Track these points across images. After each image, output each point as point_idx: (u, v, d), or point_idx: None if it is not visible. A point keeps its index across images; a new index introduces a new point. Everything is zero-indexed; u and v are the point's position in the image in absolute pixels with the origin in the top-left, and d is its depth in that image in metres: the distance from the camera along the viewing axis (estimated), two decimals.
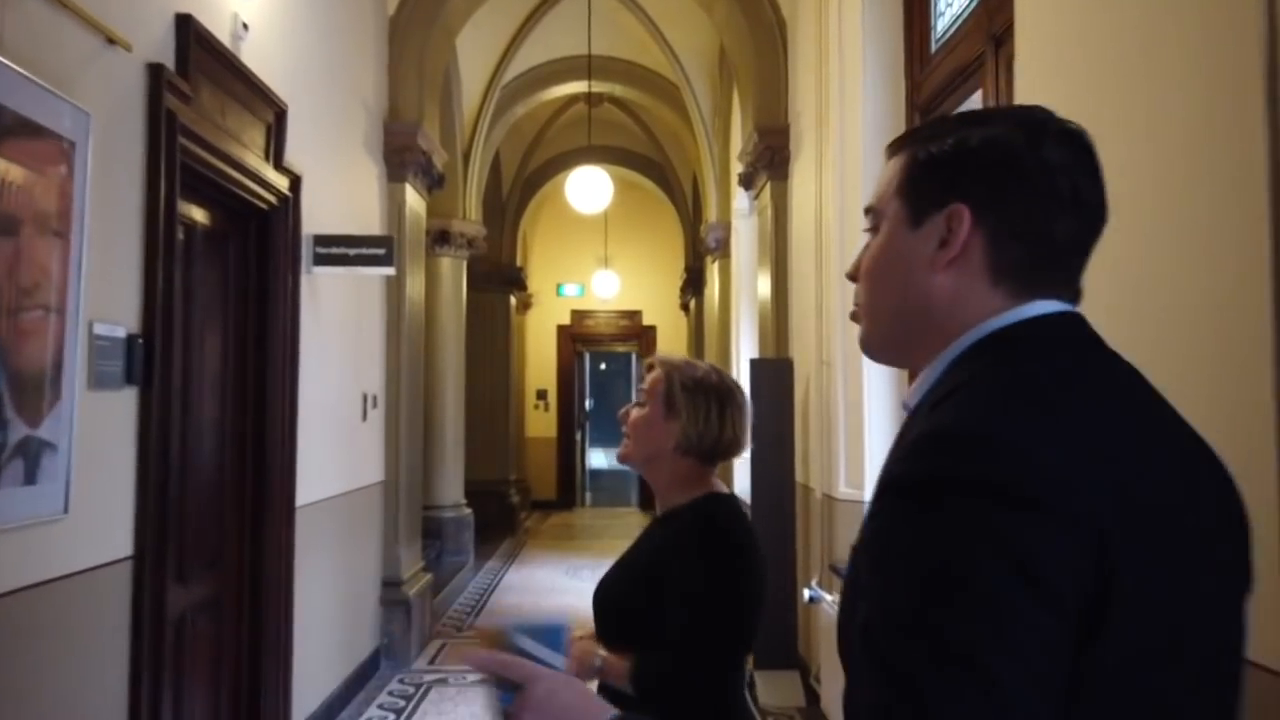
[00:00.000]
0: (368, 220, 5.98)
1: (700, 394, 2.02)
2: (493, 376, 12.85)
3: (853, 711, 0.93)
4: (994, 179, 0.97)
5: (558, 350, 15.91)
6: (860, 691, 0.87)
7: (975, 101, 3.74)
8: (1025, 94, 2.73)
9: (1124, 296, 2.11)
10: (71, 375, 2.60)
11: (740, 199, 8.72)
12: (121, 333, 2.93)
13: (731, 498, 2.07)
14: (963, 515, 0.81)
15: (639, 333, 15.96)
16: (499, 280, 13.21)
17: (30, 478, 2.44)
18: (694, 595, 1.86)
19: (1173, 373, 1.83)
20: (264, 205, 4.24)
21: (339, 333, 5.39)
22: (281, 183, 4.33)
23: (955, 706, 0.78)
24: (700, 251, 11.71)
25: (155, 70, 3.10)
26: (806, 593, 4.56)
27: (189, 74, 3.33)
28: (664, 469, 2.05)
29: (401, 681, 6.07)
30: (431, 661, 6.59)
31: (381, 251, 5.10)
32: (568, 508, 15.41)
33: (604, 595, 2.07)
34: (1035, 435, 0.84)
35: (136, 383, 3.02)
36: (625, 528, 13.00)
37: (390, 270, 5.30)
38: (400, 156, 6.44)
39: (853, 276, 1.10)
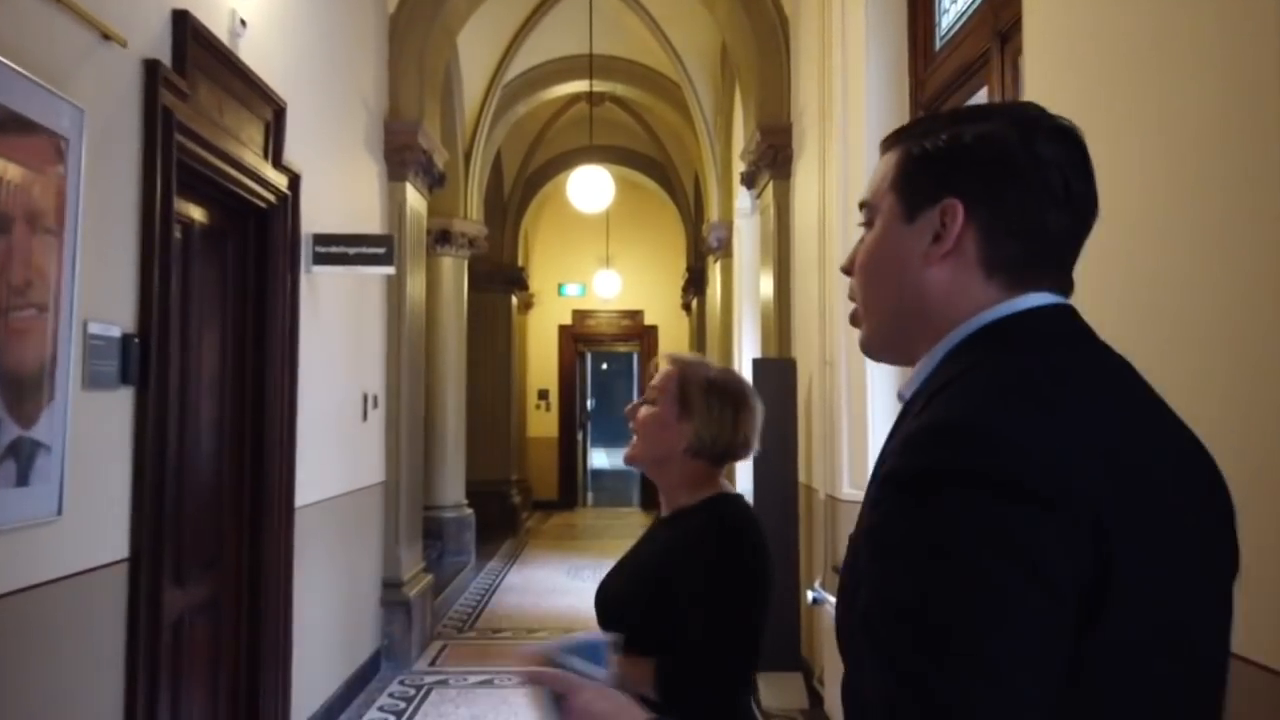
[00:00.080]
0: (368, 219, 5.95)
1: (715, 395, 1.99)
2: (494, 376, 12.82)
3: (852, 700, 0.95)
4: (987, 174, 0.99)
5: (559, 350, 15.88)
6: (861, 680, 0.89)
7: (980, 99, 3.70)
8: (1034, 89, 2.69)
9: (1136, 294, 2.08)
10: (65, 375, 2.57)
11: (742, 198, 8.69)
12: (117, 332, 2.90)
13: (740, 498, 2.04)
14: (963, 507, 0.83)
15: (640, 333, 15.94)
16: (500, 280, 13.18)
17: (23, 479, 2.40)
18: (711, 597, 1.83)
19: (1185, 371, 1.81)
20: (263, 204, 4.20)
21: (339, 332, 5.36)
22: (280, 181, 4.30)
23: (956, 694, 0.79)
24: (702, 251, 11.68)
25: (151, 66, 3.07)
26: (810, 594, 4.51)
27: (186, 71, 3.30)
28: (673, 470, 2.01)
29: (402, 683, 6.04)
30: (432, 663, 6.56)
31: (381, 250, 5.06)
32: (569, 508, 15.38)
33: (608, 597, 2.03)
34: (1032, 428, 0.85)
35: (132, 383, 2.99)
36: (627, 528, 12.98)
37: (390, 269, 5.27)
38: (401, 155, 6.41)
39: (847, 270, 1.11)
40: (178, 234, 3.51)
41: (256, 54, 3.97)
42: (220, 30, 3.64)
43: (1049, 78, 2.62)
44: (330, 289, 5.12)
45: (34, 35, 2.49)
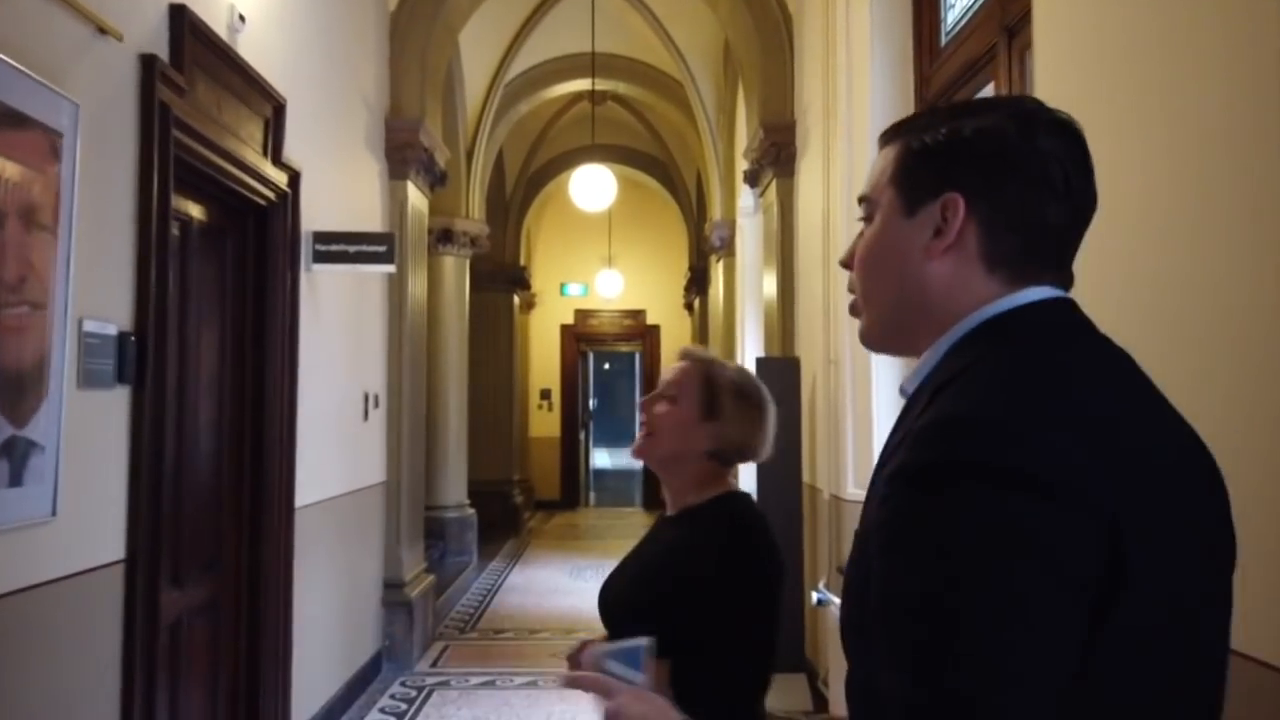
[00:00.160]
0: (369, 218, 5.91)
1: (743, 399, 1.96)
2: (496, 376, 12.80)
3: (858, 697, 0.96)
4: (988, 168, 0.99)
5: (561, 350, 15.85)
6: (870, 678, 0.89)
7: (987, 95, 3.66)
8: (1043, 85, 2.65)
9: (1138, 293, 2.05)
10: (60, 373, 2.53)
11: (745, 197, 8.66)
12: (113, 330, 2.86)
13: (749, 496, 2.00)
14: (975, 501, 0.83)
15: (643, 332, 15.93)
16: (502, 279, 13.15)
17: (16, 479, 2.36)
18: (725, 596, 1.80)
19: (1186, 371, 1.77)
20: (262, 201, 4.17)
21: (340, 331, 5.32)
22: (280, 178, 4.26)
23: (975, 692, 0.79)
24: (704, 250, 11.66)
25: (148, 61, 3.03)
26: (814, 595, 4.49)
27: (184, 66, 3.26)
28: (687, 469, 1.97)
29: (403, 684, 6.01)
30: (434, 664, 6.53)
31: (382, 249, 5.03)
32: (571, 508, 15.35)
33: (614, 598, 1.99)
34: (1041, 421, 0.86)
35: (129, 381, 2.95)
36: (629, 528, 12.94)
37: (391, 268, 5.24)
38: (402, 153, 6.37)
39: (846, 264, 1.12)
40: (176, 231, 3.48)
41: (255, 50, 3.94)
42: (219, 25, 3.60)
43: (1059, 72, 2.57)
44: (331, 288, 5.08)
45: (27, 29, 2.45)
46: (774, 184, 6.37)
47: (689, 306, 14.53)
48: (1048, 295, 0.99)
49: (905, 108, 4.45)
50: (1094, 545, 0.82)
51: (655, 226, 15.03)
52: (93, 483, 2.79)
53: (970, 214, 0.99)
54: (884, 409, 4.44)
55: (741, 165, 7.47)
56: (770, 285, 6.53)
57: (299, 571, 4.46)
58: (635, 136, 13.21)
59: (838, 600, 4.45)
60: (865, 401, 4.56)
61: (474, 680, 6.14)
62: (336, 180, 5.28)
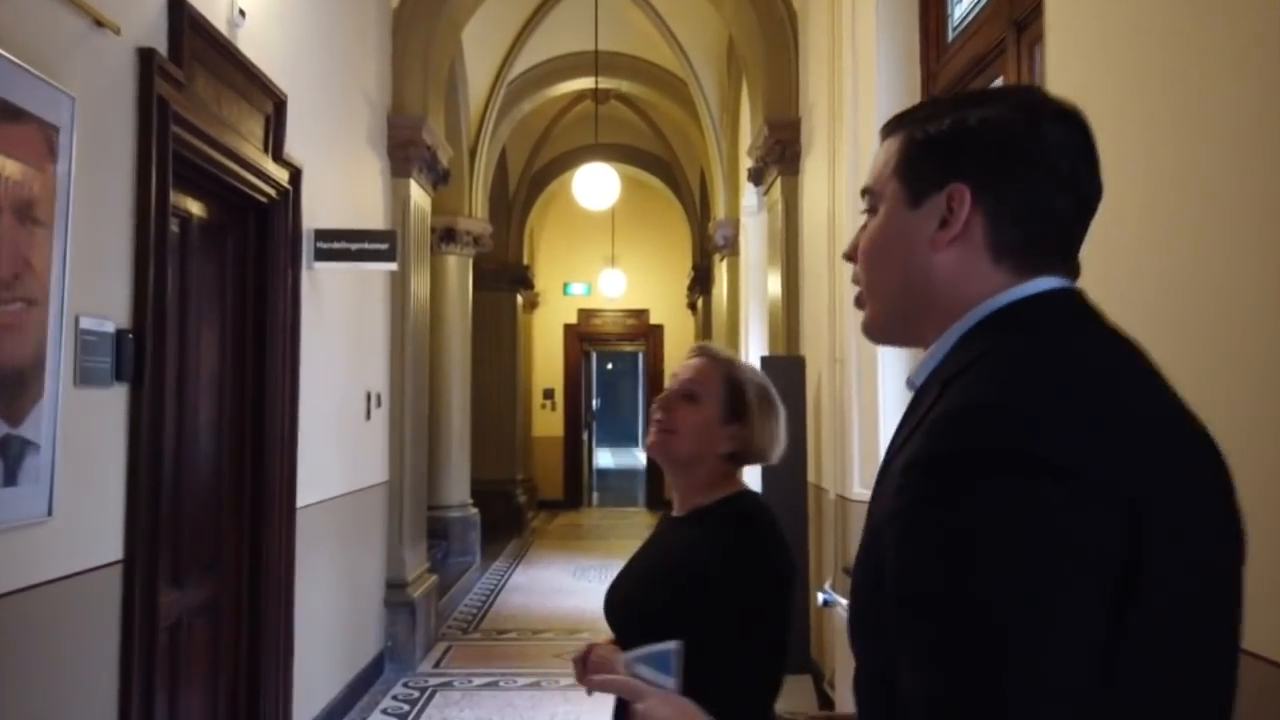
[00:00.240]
0: (371, 216, 5.87)
1: (765, 400, 1.94)
2: (499, 376, 12.77)
3: (872, 695, 0.95)
4: (993, 158, 0.99)
5: (564, 349, 15.83)
6: (887, 673, 0.88)
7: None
8: (1056, 78, 2.60)
9: (1143, 293, 2.00)
10: (56, 371, 2.49)
11: (749, 196, 8.63)
12: (110, 327, 2.82)
13: (759, 496, 1.97)
14: (999, 489, 0.81)
15: (646, 332, 15.91)
16: (505, 279, 13.12)
17: (10, 479, 2.32)
18: (741, 597, 1.77)
19: (1190, 371, 1.72)
20: (263, 198, 4.13)
21: (342, 330, 5.29)
22: (281, 175, 4.22)
23: (1002, 686, 0.78)
24: (708, 250, 11.63)
25: (146, 55, 2.99)
26: (820, 596, 4.45)
27: (183, 61, 3.22)
28: (702, 470, 1.94)
29: (406, 685, 5.97)
30: (437, 665, 6.49)
31: (384, 246, 4.99)
32: (574, 508, 15.32)
33: (624, 600, 1.95)
34: (1060, 407, 0.85)
35: (127, 380, 2.91)
36: (632, 528, 12.92)
37: (393, 266, 5.20)
38: (404, 151, 6.33)
39: (849, 256, 1.11)
40: (175, 228, 3.44)
41: (256, 45, 3.90)
42: (218, 20, 3.56)
43: (1072, 66, 2.53)
44: (333, 286, 5.05)
45: (22, 21, 2.41)
46: (778, 182, 6.33)
47: (692, 306, 14.50)
48: (1056, 285, 0.98)
49: (912, 103, 4.40)
50: (1115, 534, 0.81)
51: (658, 226, 15.00)
52: (90, 482, 2.75)
53: (976, 204, 0.98)
54: (890, 408, 4.40)
55: (745, 163, 7.43)
56: (775, 284, 6.49)
57: (300, 572, 4.42)
58: (638, 135, 13.18)
59: (844, 601, 4.42)
60: (871, 401, 4.52)
61: (477, 681, 6.11)
62: (338, 178, 5.24)
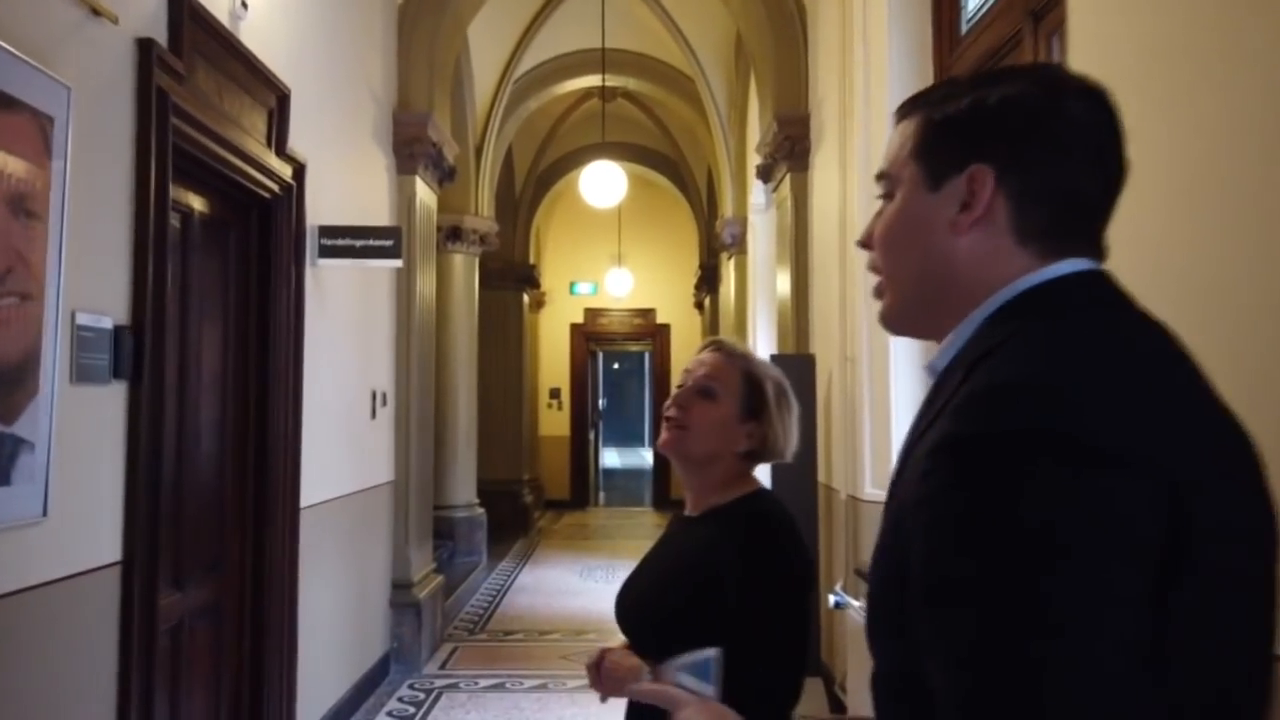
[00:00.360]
0: (376, 213, 5.81)
1: (785, 399, 1.89)
2: (505, 375, 12.73)
3: (894, 693, 0.92)
4: (1015, 138, 0.95)
5: (571, 349, 15.78)
6: (912, 669, 0.84)
7: None
8: (1078, 68, 2.53)
9: (1164, 290, 1.93)
10: (51, 368, 2.42)
11: (757, 194, 8.57)
12: (108, 323, 2.76)
13: (775, 495, 1.91)
14: (1034, 471, 0.78)
15: (653, 331, 15.86)
16: (512, 278, 13.08)
17: (4, 478, 2.26)
18: (761, 598, 1.71)
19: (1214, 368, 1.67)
20: (266, 194, 4.07)
21: (347, 328, 5.23)
22: (284, 171, 4.16)
23: (1037, 679, 0.74)
24: (715, 248, 11.58)
25: (145, 45, 2.92)
26: (831, 598, 4.38)
27: (183, 52, 3.16)
28: (717, 469, 1.88)
29: (412, 687, 5.92)
30: (443, 666, 6.43)
31: (389, 243, 4.93)
32: (581, 507, 15.26)
33: (636, 603, 1.90)
34: (1095, 388, 0.81)
35: (125, 377, 2.85)
36: (639, 528, 12.88)
37: (398, 262, 5.14)
38: (410, 148, 6.28)
39: (865, 244, 1.07)
40: (175, 223, 3.38)
41: (258, 38, 3.84)
42: (220, 11, 3.50)
43: (1095, 55, 2.45)
44: (337, 283, 4.99)
45: (15, 8, 2.35)
46: (788, 178, 6.26)
47: (699, 305, 14.45)
48: (1085, 267, 0.95)
49: None
50: (1159, 514, 0.78)
51: (665, 225, 14.95)
52: (87, 482, 2.68)
53: (999, 186, 0.95)
54: (903, 406, 4.33)
55: (754, 161, 7.37)
56: (784, 281, 6.42)
57: (304, 572, 4.37)
58: (645, 134, 13.13)
59: (855, 603, 4.35)
60: (883, 399, 4.46)
61: (483, 683, 6.05)
62: (343, 174, 5.18)
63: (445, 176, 6.99)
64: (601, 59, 9.34)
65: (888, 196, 1.05)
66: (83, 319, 2.62)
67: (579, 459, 15.63)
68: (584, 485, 15.71)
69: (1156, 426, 0.81)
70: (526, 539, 12.09)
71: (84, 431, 2.66)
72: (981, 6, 3.86)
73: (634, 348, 18.32)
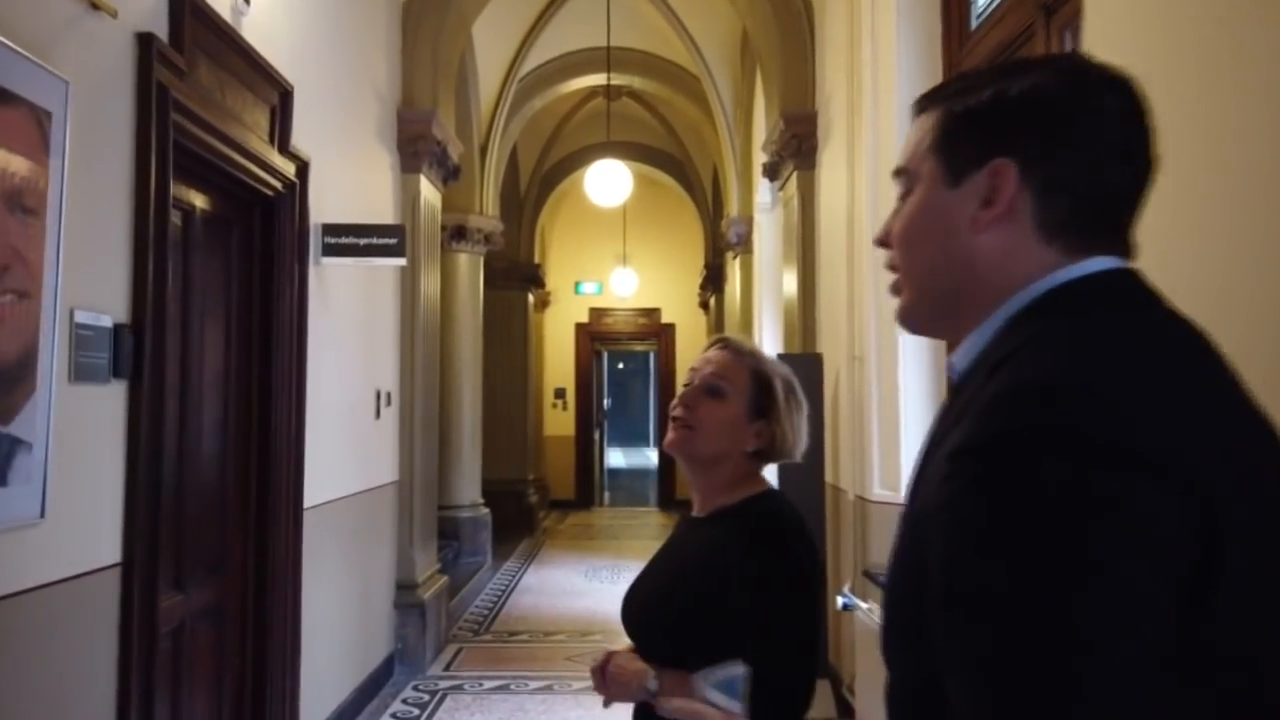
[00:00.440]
0: (380, 211, 5.77)
1: (794, 397, 1.85)
2: (510, 375, 12.70)
3: (912, 707, 0.89)
4: (1039, 130, 0.92)
5: (576, 348, 15.76)
6: (930, 680, 0.81)
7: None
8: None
9: (1178, 292, 1.88)
10: (49, 367, 2.38)
11: (762, 193, 8.54)
12: (107, 322, 2.72)
13: (784, 496, 1.87)
14: (1059, 475, 0.74)
15: (658, 331, 15.84)
16: (517, 278, 13.06)
17: (0, 479, 2.22)
18: (772, 603, 1.68)
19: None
20: (269, 191, 4.03)
21: (351, 327, 5.19)
22: (287, 168, 4.12)
23: (1064, 699, 0.71)
24: (720, 248, 11.55)
25: (145, 40, 2.88)
26: (839, 600, 4.34)
27: (183, 47, 3.11)
28: (725, 469, 1.84)
29: (416, 688, 5.88)
30: (447, 667, 6.40)
31: (393, 241, 4.89)
32: (586, 507, 15.24)
33: (642, 607, 1.86)
34: (1125, 389, 0.78)
35: (125, 376, 2.81)
36: (645, 528, 12.85)
37: (402, 261, 5.11)
38: (414, 146, 6.24)
39: (882, 242, 1.05)
40: (177, 220, 3.35)
41: (260, 34, 3.80)
42: (221, 7, 3.46)
43: (1114, 48, 2.41)
44: (341, 282, 4.95)
45: (12, 1, 2.31)
46: (794, 176, 6.22)
47: (704, 305, 14.42)
48: (1112, 265, 0.91)
49: None
50: (1189, 522, 0.74)
51: (670, 224, 14.93)
52: (86, 483, 2.64)
53: (1023, 181, 0.92)
54: (912, 406, 4.30)
55: (760, 159, 7.32)
56: (790, 280, 6.37)
57: (308, 573, 4.33)
58: (650, 133, 13.09)
59: (863, 604, 4.31)
60: (892, 398, 4.42)
61: (488, 684, 6.01)
62: (346, 172, 5.14)
63: (450, 175, 6.95)
64: (607, 57, 9.29)
65: (906, 193, 1.02)
66: (81, 317, 2.58)
67: (584, 459, 15.61)
68: (589, 485, 15.69)
69: (1187, 428, 0.78)
70: (531, 539, 12.06)
71: (83, 431, 2.62)
72: (992, 1, 3.82)
73: (639, 347, 18.29)
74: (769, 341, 8.40)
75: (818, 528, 5.21)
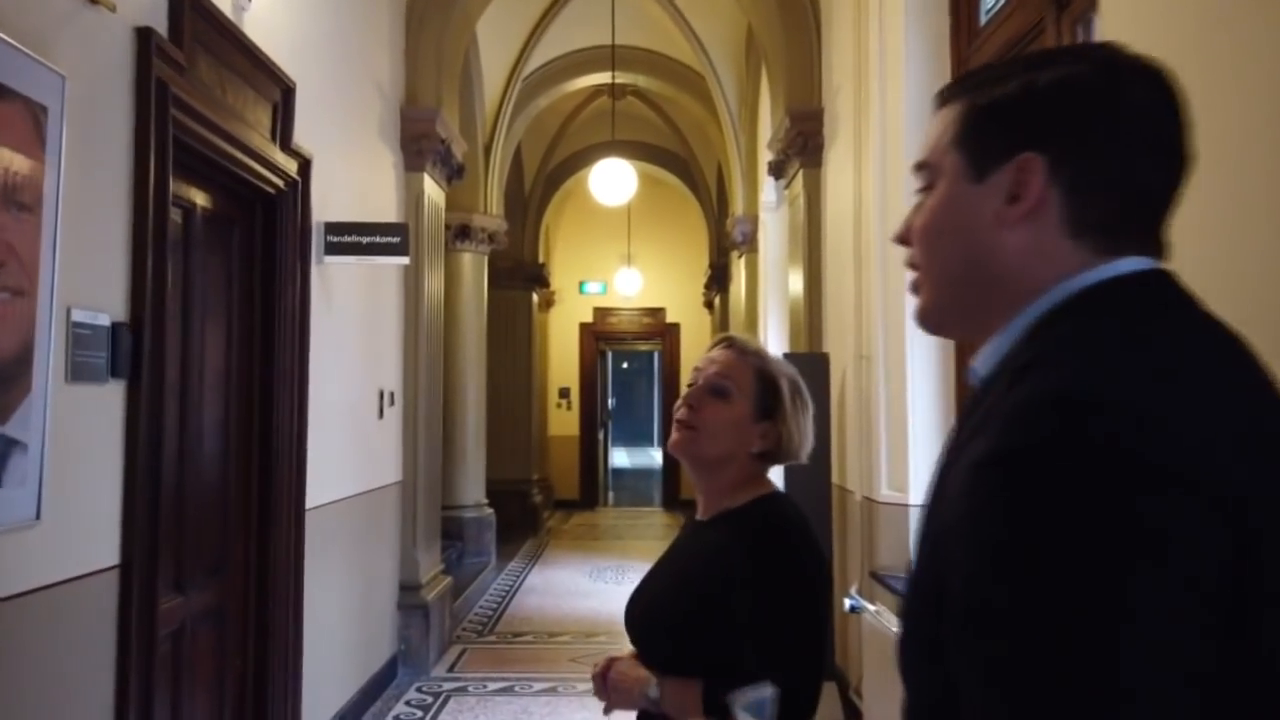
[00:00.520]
0: (384, 210, 5.74)
1: (800, 398, 1.82)
2: (514, 374, 12.66)
3: None
4: (1069, 124, 0.88)
5: (580, 348, 15.73)
6: (948, 699, 0.77)
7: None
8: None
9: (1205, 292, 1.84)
10: (45, 366, 2.35)
11: (768, 192, 8.49)
12: (105, 320, 2.68)
13: (790, 498, 1.83)
14: (1093, 491, 0.71)
15: (662, 331, 15.81)
16: (521, 277, 13.03)
17: None
18: (773, 604, 1.64)
19: None
20: (270, 189, 3.99)
21: (354, 327, 5.15)
22: (289, 166, 4.09)
23: (1094, 714, 0.68)
24: (725, 247, 11.51)
25: (144, 35, 2.84)
26: (846, 602, 4.30)
27: (183, 42, 3.08)
28: (730, 470, 1.80)
29: (420, 690, 5.84)
30: (451, 668, 6.36)
31: (396, 240, 4.85)
32: (590, 507, 15.21)
33: (645, 612, 1.82)
34: (1157, 397, 0.74)
35: (123, 376, 2.77)
36: (649, 528, 12.82)
37: (405, 260, 5.07)
38: (418, 144, 6.20)
39: (902, 239, 1.01)
40: (177, 218, 3.31)
41: (262, 30, 3.76)
42: (222, 2, 3.42)
43: (1132, 38, 2.36)
44: (344, 281, 4.92)
45: None
46: (800, 175, 6.17)
47: (709, 304, 14.40)
48: (1145, 266, 0.87)
49: None
50: (1222, 538, 0.71)
51: (675, 224, 14.90)
52: (83, 484, 2.60)
53: (1051, 176, 0.88)
54: (920, 405, 4.25)
55: (765, 158, 7.28)
56: (796, 279, 6.33)
57: (310, 574, 4.29)
58: (655, 132, 13.05)
59: (871, 607, 4.27)
60: (900, 398, 4.37)
61: (492, 686, 5.97)
62: (349, 170, 5.10)
63: (454, 174, 6.91)
64: (611, 56, 9.26)
65: (927, 188, 0.98)
66: (78, 315, 2.54)
67: (588, 459, 15.59)
68: (593, 485, 15.67)
69: (1222, 440, 0.74)
70: (535, 539, 12.02)
71: (80, 432, 2.58)
72: None
73: (643, 347, 18.27)
74: (774, 341, 8.36)
75: (823, 529, 5.17)
